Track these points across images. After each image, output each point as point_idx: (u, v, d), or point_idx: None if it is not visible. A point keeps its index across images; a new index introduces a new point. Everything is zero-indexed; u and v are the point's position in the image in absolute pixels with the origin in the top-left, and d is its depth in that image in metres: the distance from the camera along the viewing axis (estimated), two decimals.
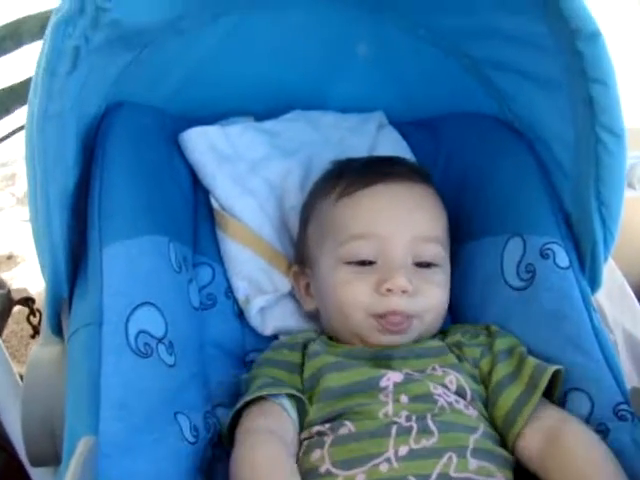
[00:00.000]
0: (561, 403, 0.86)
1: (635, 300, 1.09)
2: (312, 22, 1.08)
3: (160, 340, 0.83)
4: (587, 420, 0.83)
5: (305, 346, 0.93)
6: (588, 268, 0.95)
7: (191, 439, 0.81)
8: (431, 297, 0.93)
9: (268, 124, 1.15)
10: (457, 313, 1.03)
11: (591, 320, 0.89)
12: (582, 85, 0.86)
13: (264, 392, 0.83)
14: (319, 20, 1.08)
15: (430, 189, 1.01)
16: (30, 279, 1.85)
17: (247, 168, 1.09)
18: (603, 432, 0.81)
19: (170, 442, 0.78)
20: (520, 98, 1.04)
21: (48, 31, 0.77)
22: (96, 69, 0.89)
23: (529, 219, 0.98)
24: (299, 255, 1.03)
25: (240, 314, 1.03)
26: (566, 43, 0.86)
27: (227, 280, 1.03)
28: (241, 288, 1.02)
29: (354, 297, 0.92)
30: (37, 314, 1.17)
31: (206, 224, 1.07)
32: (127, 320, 0.80)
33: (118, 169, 0.91)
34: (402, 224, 0.95)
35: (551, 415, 0.84)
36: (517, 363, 0.88)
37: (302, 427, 0.84)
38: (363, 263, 0.93)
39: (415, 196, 0.98)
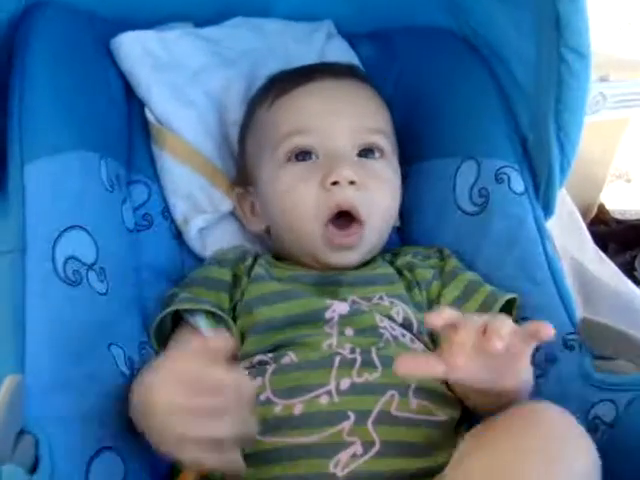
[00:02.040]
0: None
1: (584, 228, 1.07)
2: None
3: (90, 267, 0.76)
4: (536, 349, 0.81)
5: (237, 263, 0.87)
6: (542, 194, 0.91)
7: (125, 371, 0.76)
8: (379, 193, 0.87)
9: (208, 30, 1.05)
10: (407, 235, 0.99)
11: (544, 248, 0.87)
12: (548, 2, 0.80)
13: (178, 306, 0.80)
14: None
15: (368, 86, 0.95)
16: None
17: (185, 78, 1.00)
18: (551, 361, 0.80)
19: (103, 376, 0.72)
20: (479, 12, 0.97)
21: None
22: None
23: (484, 141, 0.93)
24: (241, 176, 0.97)
25: (178, 235, 0.96)
26: None
27: (164, 199, 0.96)
28: (179, 207, 0.95)
29: (299, 200, 0.86)
30: None
31: (141, 139, 0.98)
32: (54, 245, 0.73)
33: (40, 77, 0.81)
34: (341, 115, 0.89)
35: None
36: (465, 286, 0.86)
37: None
38: (304, 158, 0.87)
39: (354, 89, 0.93)
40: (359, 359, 0.76)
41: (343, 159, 0.86)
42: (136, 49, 0.97)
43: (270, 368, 0.76)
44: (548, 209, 0.92)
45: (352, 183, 0.84)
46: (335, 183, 0.84)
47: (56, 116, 0.80)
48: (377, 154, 0.89)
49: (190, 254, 0.95)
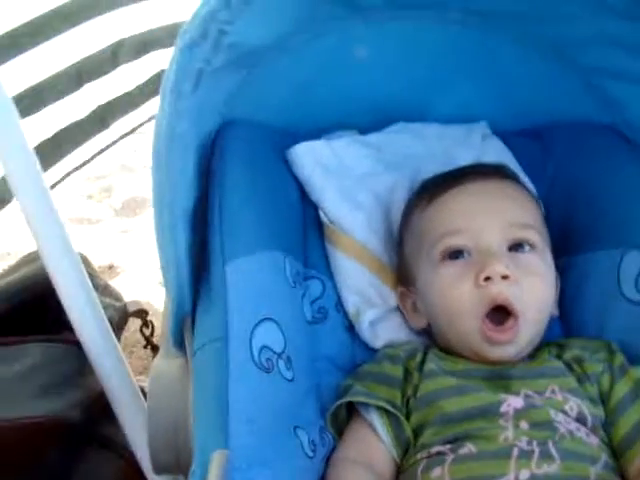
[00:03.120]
0: None
1: None
2: (416, 35, 1.09)
3: (280, 355, 0.85)
4: None
5: (407, 360, 0.92)
6: None
7: (310, 454, 0.83)
8: (532, 287, 0.90)
9: (372, 137, 1.15)
10: (571, 328, 1.01)
11: None
12: None
13: (354, 398, 0.86)
14: (423, 33, 1.09)
15: (516, 184, 1.01)
16: (130, 289, 1.91)
17: (354, 182, 1.10)
18: None
19: (292, 456, 0.80)
20: (634, 106, 1.01)
21: (175, 54, 0.80)
22: (212, 89, 0.92)
23: None
24: (402, 276, 1.03)
25: (350, 327, 1.03)
26: None
27: (337, 294, 1.04)
28: (351, 301, 1.03)
29: (456, 298, 0.91)
30: (150, 325, 1.21)
31: (315, 238, 1.08)
32: (251, 336, 0.82)
33: (235, 186, 0.94)
34: (490, 214, 0.94)
35: None
36: (635, 382, 0.87)
37: (402, 443, 0.85)
38: (458, 256, 0.92)
39: (503, 188, 0.98)
40: (537, 450, 0.78)
41: (494, 255, 0.90)
42: (310, 158, 1.08)
43: (449, 458, 0.80)
44: None
45: (505, 278, 0.88)
46: (488, 279, 0.88)
47: (250, 220, 0.92)
48: (527, 247, 0.93)
49: (361, 345, 1.02)
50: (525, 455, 0.78)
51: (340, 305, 1.04)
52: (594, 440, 0.83)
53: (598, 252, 1.00)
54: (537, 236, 0.95)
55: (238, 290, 0.85)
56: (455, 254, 0.93)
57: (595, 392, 0.88)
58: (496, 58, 1.10)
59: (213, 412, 0.77)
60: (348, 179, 1.10)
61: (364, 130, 1.17)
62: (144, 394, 1.08)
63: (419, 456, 0.83)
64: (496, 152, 1.14)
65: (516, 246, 0.93)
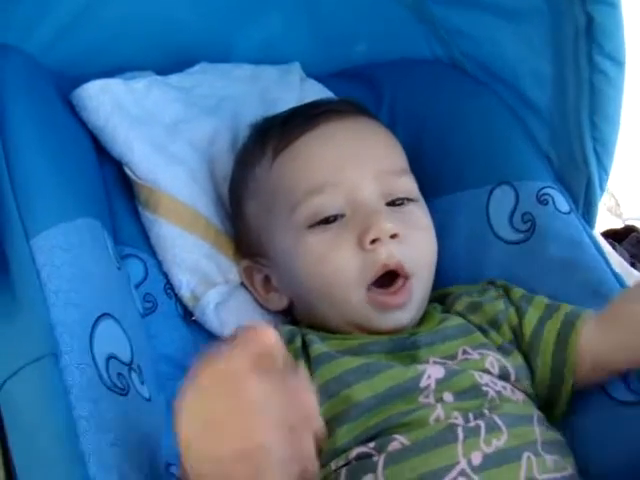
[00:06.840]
0: None
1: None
2: None
3: (130, 366, 0.54)
4: (625, 375, 0.67)
5: (287, 346, 0.65)
6: (581, 210, 0.79)
7: None
8: (421, 243, 0.71)
9: (174, 79, 0.86)
10: (441, 278, 0.79)
11: (608, 264, 0.74)
12: (576, 9, 0.69)
13: None
14: None
15: (377, 121, 0.79)
16: None
17: (165, 131, 0.79)
18: None
19: None
20: (477, 35, 0.85)
21: None
22: None
23: (515, 164, 0.80)
24: (245, 247, 0.77)
25: (185, 314, 0.74)
26: None
27: (163, 274, 0.74)
28: (184, 282, 0.74)
29: (338, 267, 0.67)
30: None
31: (122, 204, 0.76)
32: (91, 342, 0.49)
33: (25, 133, 0.60)
34: (362, 161, 0.72)
35: None
36: (546, 306, 0.71)
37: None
38: (329, 220, 0.69)
39: (365, 129, 0.76)
40: (482, 425, 0.58)
41: (377, 212, 0.69)
42: (105, 101, 0.75)
43: (379, 460, 0.57)
44: (589, 225, 0.80)
45: (394, 236, 0.68)
46: (375, 240, 0.67)
47: (52, 177, 0.58)
48: (406, 199, 0.73)
49: (202, 334, 0.73)
50: (471, 433, 0.58)
51: (170, 288, 0.74)
52: (520, 396, 0.66)
53: (459, 193, 0.82)
54: (413, 183, 0.75)
55: (56, 274, 0.52)
56: (327, 218, 0.69)
57: (503, 337, 0.69)
58: None
59: (61, 466, 0.44)
60: (156, 128, 0.79)
61: (160, 73, 0.86)
62: None
63: (334, 465, 0.59)
64: (318, 95, 0.90)
65: (394, 199, 0.72)
